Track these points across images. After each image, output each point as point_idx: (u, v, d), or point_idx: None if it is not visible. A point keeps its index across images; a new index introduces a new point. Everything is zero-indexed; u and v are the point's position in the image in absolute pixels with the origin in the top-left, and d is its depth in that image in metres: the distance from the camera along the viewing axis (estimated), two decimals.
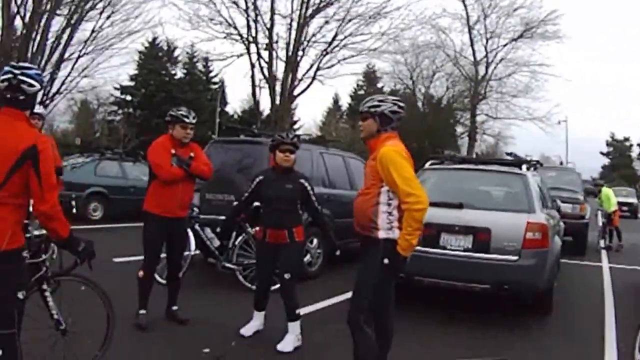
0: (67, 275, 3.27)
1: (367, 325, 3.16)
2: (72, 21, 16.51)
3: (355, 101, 42.12)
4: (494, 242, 5.02)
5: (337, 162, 7.41)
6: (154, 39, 36.92)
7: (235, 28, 18.08)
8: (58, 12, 15.52)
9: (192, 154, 4.63)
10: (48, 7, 14.93)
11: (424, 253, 4.97)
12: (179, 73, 42.63)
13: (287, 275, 4.24)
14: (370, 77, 42.37)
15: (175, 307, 4.74)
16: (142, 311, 4.48)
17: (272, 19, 18.07)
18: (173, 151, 4.52)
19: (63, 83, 19.08)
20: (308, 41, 18.61)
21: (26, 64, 2.89)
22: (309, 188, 4.40)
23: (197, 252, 6.11)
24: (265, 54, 18.35)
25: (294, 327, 4.24)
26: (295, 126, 34.76)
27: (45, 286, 3.10)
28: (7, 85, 2.68)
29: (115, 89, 42.59)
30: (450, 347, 4.46)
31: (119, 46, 19.36)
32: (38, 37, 13.82)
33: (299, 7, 18.45)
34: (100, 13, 17.76)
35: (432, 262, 5.10)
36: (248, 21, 17.97)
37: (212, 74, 41.47)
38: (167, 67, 40.87)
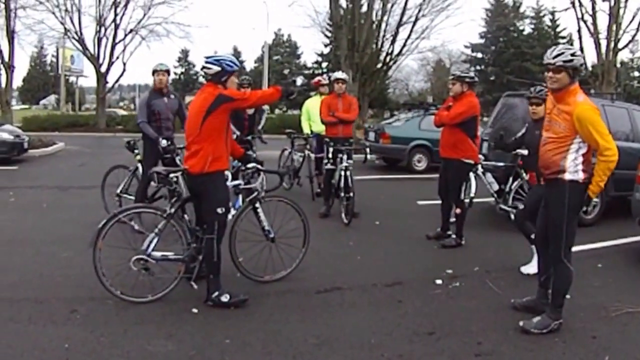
0: (272, 197, 4.35)
1: (567, 259, 3.50)
2: None
3: None
4: None
5: (620, 114, 7.59)
6: None
7: None
8: None
9: None
10: None
11: None
12: (527, 28, 40.85)
13: None
14: None
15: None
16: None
17: None
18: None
19: (404, 45, 20.73)
20: None
21: (211, 55, 3.96)
22: None
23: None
24: (588, 6, 16.41)
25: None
26: None
27: (257, 205, 4.21)
28: (202, 69, 3.97)
29: (466, 47, 43.76)
30: None
31: (454, 6, 20.08)
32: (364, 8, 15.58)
33: None
34: None
35: None
36: None
37: (559, 29, 38.32)
38: (515, 23, 39.65)
